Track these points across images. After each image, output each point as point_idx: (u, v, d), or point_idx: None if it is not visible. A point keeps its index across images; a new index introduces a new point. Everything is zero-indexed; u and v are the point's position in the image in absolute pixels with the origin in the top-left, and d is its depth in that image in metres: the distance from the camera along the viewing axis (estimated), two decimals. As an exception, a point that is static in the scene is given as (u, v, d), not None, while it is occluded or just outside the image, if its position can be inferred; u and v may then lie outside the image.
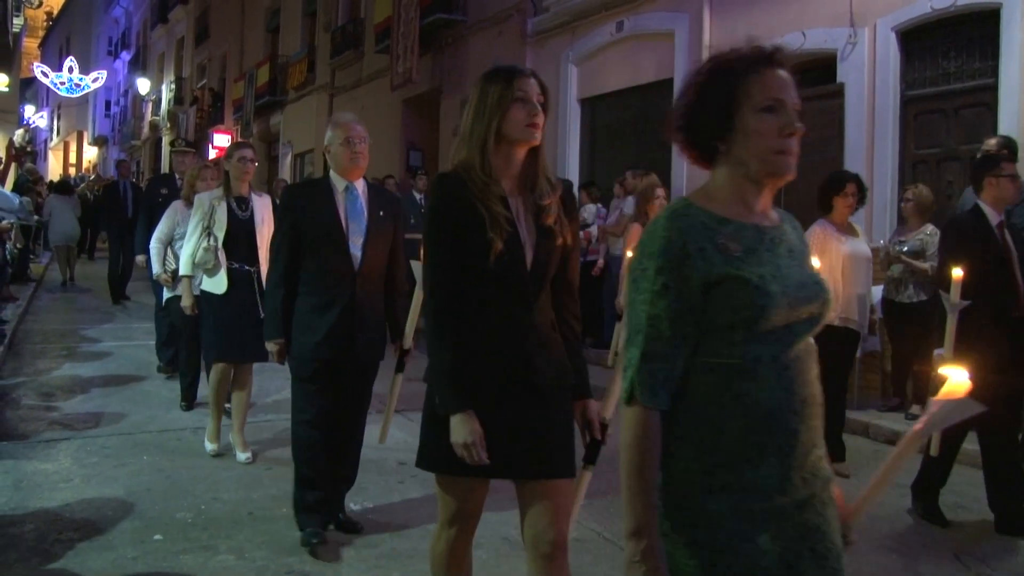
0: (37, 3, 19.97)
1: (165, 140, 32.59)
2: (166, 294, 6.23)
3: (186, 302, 5.25)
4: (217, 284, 4.95)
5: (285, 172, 21.05)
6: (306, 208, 3.66)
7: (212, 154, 24.99)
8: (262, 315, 4.62)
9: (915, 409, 6.32)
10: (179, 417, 5.97)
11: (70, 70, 37.61)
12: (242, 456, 4.98)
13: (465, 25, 13.83)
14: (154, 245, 6.13)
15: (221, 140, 24.18)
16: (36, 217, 15.05)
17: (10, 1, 17.16)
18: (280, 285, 3.67)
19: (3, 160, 10.08)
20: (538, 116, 2.29)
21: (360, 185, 3.77)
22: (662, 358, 1.56)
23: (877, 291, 6.82)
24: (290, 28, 21.95)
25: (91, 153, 45.74)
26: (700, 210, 1.61)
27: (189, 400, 6.25)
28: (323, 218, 3.65)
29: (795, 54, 8.28)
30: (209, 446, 5.12)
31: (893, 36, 7.46)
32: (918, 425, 1.66)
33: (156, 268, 6.19)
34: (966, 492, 4.90)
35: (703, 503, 1.54)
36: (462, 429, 2.18)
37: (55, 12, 48.26)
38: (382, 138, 16.49)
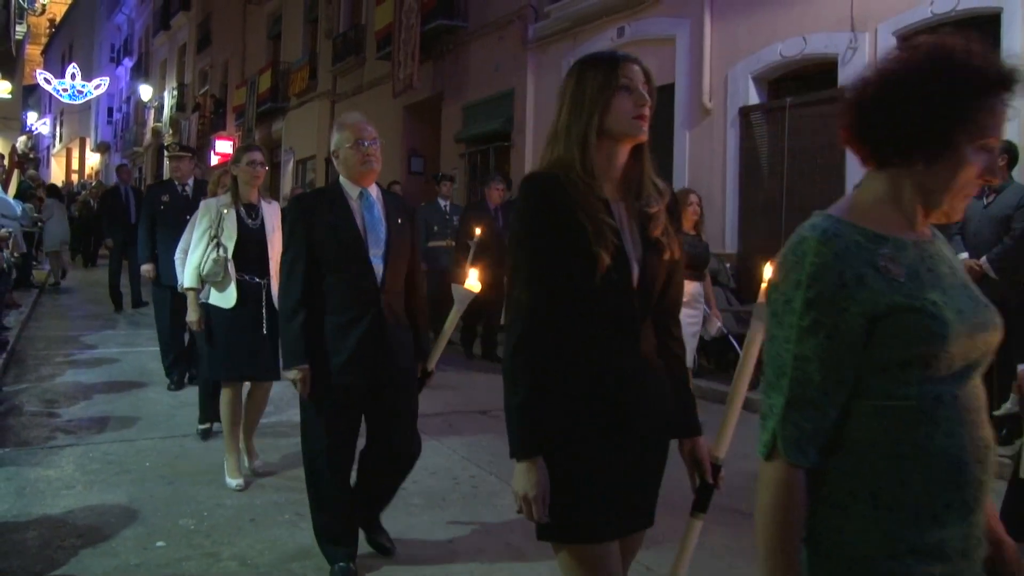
0: (40, 10, 20.05)
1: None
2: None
3: (192, 316, 4.86)
4: (226, 298, 4.61)
5: (287, 179, 21.09)
6: (319, 220, 3.31)
7: (215, 160, 25.07)
8: (265, 330, 4.58)
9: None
10: (182, 423, 5.97)
11: (72, 77, 37.70)
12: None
13: (466, 31, 13.85)
14: (178, 256, 5.56)
15: (223, 146, 24.22)
16: (40, 224, 15.09)
17: (13, 8, 17.21)
18: (299, 309, 3.28)
19: (5, 167, 10.10)
20: (646, 107, 1.98)
21: (374, 191, 3.46)
22: (811, 406, 1.34)
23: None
24: (292, 35, 22.00)
25: (93, 160, 45.80)
26: (851, 226, 1.37)
27: (207, 424, 5.62)
28: (340, 230, 3.30)
29: (795, 59, 8.32)
30: (232, 482, 4.58)
31: (894, 41, 7.46)
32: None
33: (182, 280, 5.65)
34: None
35: (887, 570, 1.32)
36: (525, 479, 1.88)
37: (58, 19, 48.39)
38: (384, 144, 16.51)
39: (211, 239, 4.63)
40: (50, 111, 48.50)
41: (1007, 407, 5.39)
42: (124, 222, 11.70)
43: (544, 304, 1.91)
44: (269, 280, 4.65)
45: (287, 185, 20.37)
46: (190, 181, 7.20)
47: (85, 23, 45.21)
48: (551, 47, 11.90)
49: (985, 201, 5.97)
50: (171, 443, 5.48)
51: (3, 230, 7.85)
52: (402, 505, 4.43)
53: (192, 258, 4.71)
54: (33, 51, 48.61)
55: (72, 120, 45.82)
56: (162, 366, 7.27)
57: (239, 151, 4.80)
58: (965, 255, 6.00)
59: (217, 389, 5.36)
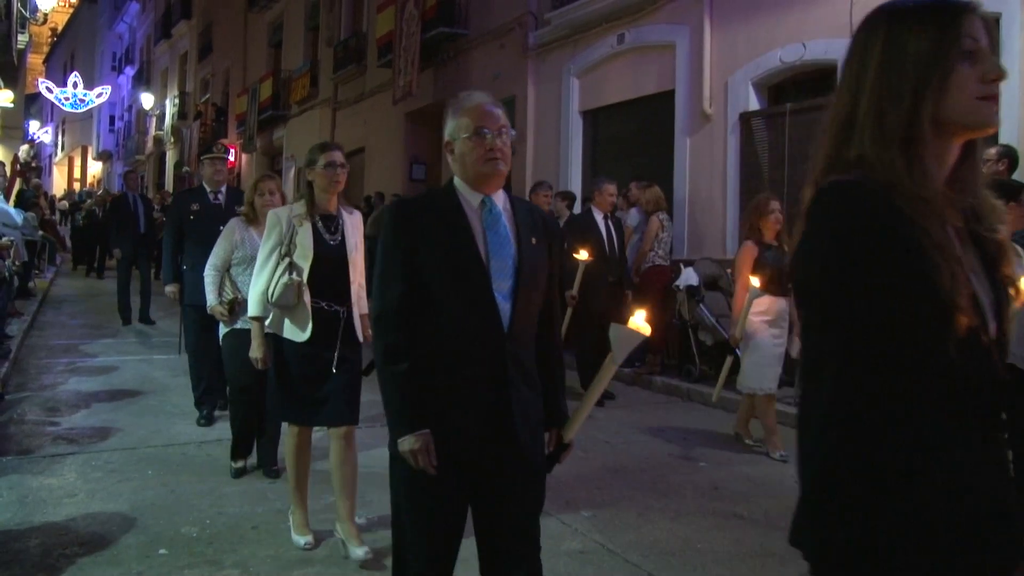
0: (42, 19, 20.09)
1: (169, 155, 32.77)
2: (222, 329, 5.06)
3: (256, 352, 4.07)
4: (299, 330, 3.80)
5: (288, 186, 21.13)
6: (426, 236, 2.34)
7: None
8: (335, 367, 3.79)
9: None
10: (184, 431, 5.97)
11: (74, 85, 37.80)
12: (358, 552, 3.72)
13: (467, 39, 13.88)
14: (209, 272, 5.01)
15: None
16: (40, 233, 15.13)
17: (15, 18, 17.26)
18: (400, 353, 2.33)
19: (7, 175, 10.11)
20: (999, 81, 1.34)
21: (500, 199, 2.45)
22: None
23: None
24: (293, 43, 22.06)
25: (95, 168, 45.92)
26: None
27: (241, 462, 5.01)
28: (453, 251, 2.35)
29: (795, 65, 8.34)
30: (300, 539, 3.92)
31: (893, 46, 7.47)
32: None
33: (211, 299, 5.00)
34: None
35: None
36: None
37: (60, 28, 48.57)
38: (385, 152, 16.59)
39: (281, 258, 3.82)
40: (52, 120, 48.63)
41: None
42: (133, 231, 11.38)
43: (883, 380, 1.28)
44: (349, 307, 3.87)
45: (289, 193, 20.40)
46: (223, 188, 6.42)
47: (87, 32, 45.38)
48: (551, 54, 11.93)
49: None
50: (173, 451, 5.49)
51: (4, 239, 7.84)
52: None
53: (258, 282, 3.93)
54: (35, 60, 48.75)
55: (74, 129, 45.94)
56: (190, 393, 6.69)
57: (314, 151, 3.90)
58: None
59: (249, 436, 5.04)
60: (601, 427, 6.37)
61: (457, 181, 2.46)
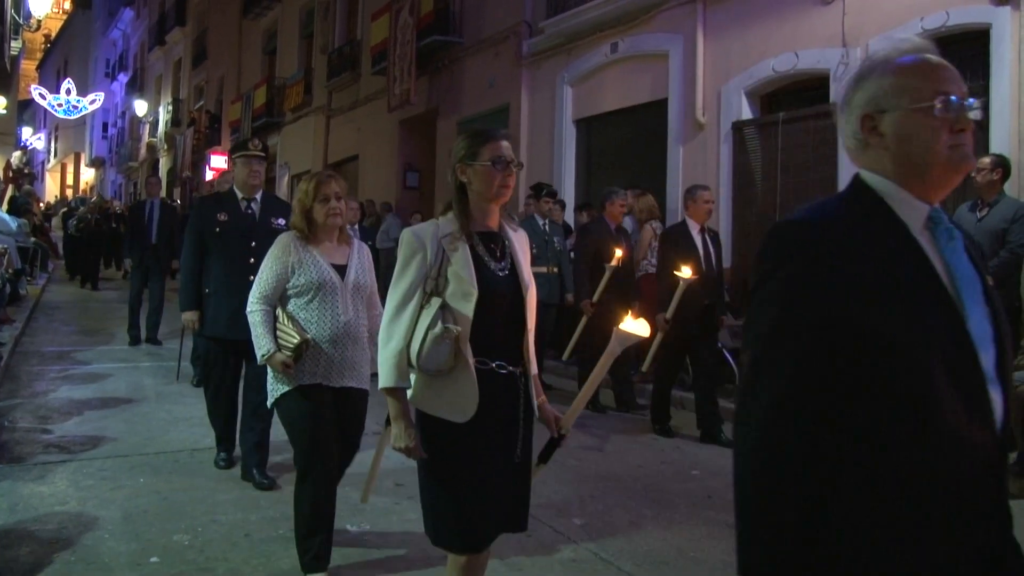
0: (35, 26, 20.08)
1: (163, 162, 32.74)
2: (276, 385, 3.67)
3: (404, 440, 2.59)
4: (459, 404, 2.54)
5: (282, 193, 21.12)
6: (857, 283, 1.38)
7: (209, 175, 25.07)
8: (520, 452, 2.63)
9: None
10: (176, 438, 5.95)
11: (67, 92, 37.81)
12: None
13: (461, 47, 13.92)
14: (256, 308, 3.71)
15: (218, 162, 24.23)
16: (33, 239, 15.10)
17: (8, 24, 17.24)
18: (810, 472, 1.37)
19: (0, 182, 10.08)
20: None
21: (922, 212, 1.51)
22: None
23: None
24: (287, 50, 22.09)
25: (88, 175, 45.85)
26: None
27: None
28: (913, 305, 1.40)
29: (788, 74, 8.38)
30: None
31: (885, 56, 7.52)
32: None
33: (265, 345, 3.63)
34: None
35: None
36: None
37: (53, 35, 48.55)
38: (379, 159, 16.61)
39: (426, 297, 2.58)
40: (45, 126, 48.59)
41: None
42: (144, 242, 10.42)
43: None
44: (527, 368, 2.69)
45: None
46: (258, 195, 5.19)
47: (80, 38, 45.39)
48: (545, 63, 11.96)
49: (979, 215, 6.03)
50: (165, 459, 5.47)
51: (-2, 246, 7.82)
52: (394, 511, 4.42)
53: (393, 338, 2.59)
54: (28, 66, 48.67)
55: (67, 135, 45.92)
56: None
57: (473, 140, 2.66)
58: None
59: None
60: (594, 435, 6.37)
61: (879, 181, 1.50)
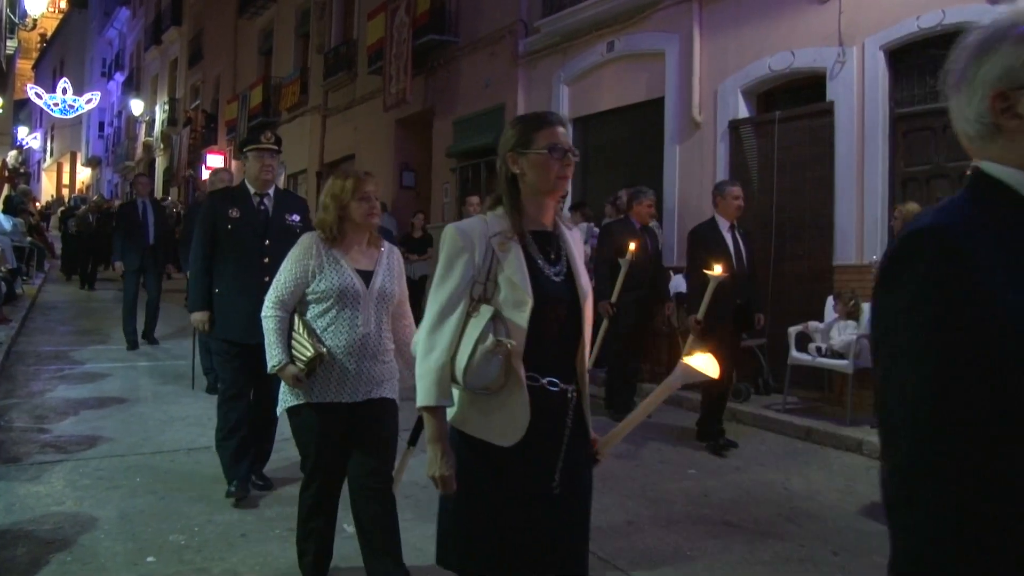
0: (31, 25, 20.05)
1: (159, 161, 32.72)
2: (287, 395, 3.43)
3: (441, 468, 2.22)
4: (506, 426, 2.22)
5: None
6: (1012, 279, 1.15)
7: (205, 175, 25.03)
8: (558, 482, 2.26)
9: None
10: (172, 438, 5.95)
11: (64, 91, 37.75)
12: None
13: (457, 46, 13.92)
14: (271, 314, 3.43)
15: (215, 161, 24.20)
16: (29, 239, 15.07)
17: (3, 23, 17.22)
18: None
19: (-3, 181, 10.07)
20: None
21: None
22: None
23: (866, 306, 6.87)
24: (283, 49, 22.07)
25: (84, 174, 45.79)
26: None
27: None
28: None
29: (784, 73, 8.38)
30: None
31: (882, 55, 7.53)
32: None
33: (277, 355, 3.39)
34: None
35: None
36: None
37: (49, 34, 48.47)
38: (375, 159, 16.59)
39: (473, 304, 2.24)
40: (41, 125, 48.51)
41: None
42: (141, 242, 10.15)
43: None
44: (581, 387, 2.34)
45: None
46: (271, 191, 4.89)
47: (76, 38, 45.33)
48: (541, 62, 11.96)
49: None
50: (161, 459, 5.47)
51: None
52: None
53: (435, 350, 2.22)
54: (24, 66, 48.59)
55: (63, 135, 45.86)
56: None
57: (525, 125, 2.32)
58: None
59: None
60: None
61: (1016, 176, 1.25)
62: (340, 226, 3.42)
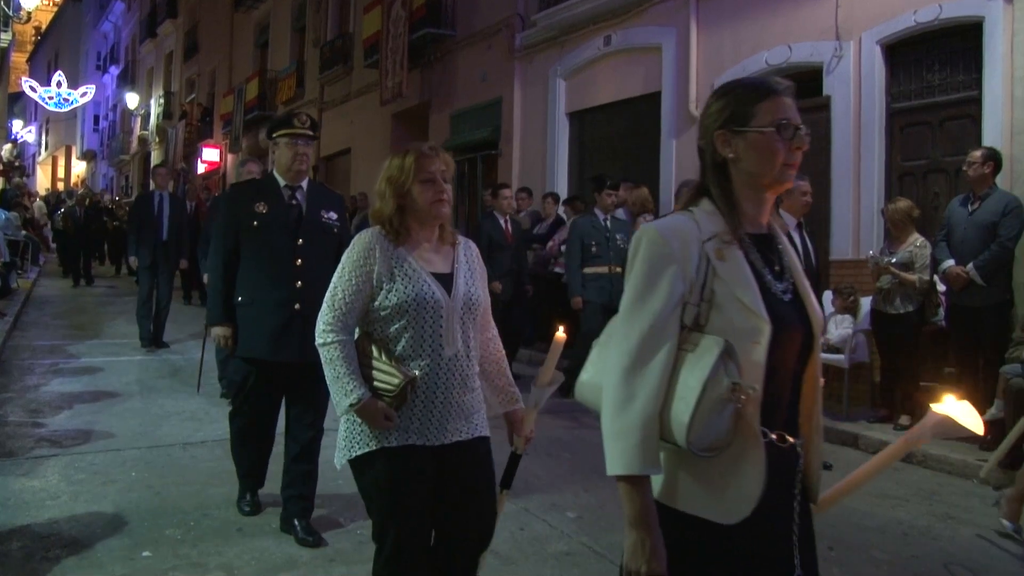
0: (25, 18, 19.98)
1: (154, 155, 32.62)
2: (353, 441, 2.58)
3: (646, 565, 1.58)
4: (733, 498, 1.63)
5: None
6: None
7: (201, 168, 25.00)
8: (799, 570, 1.70)
9: (904, 420, 6.33)
10: (168, 433, 5.94)
11: (58, 84, 37.62)
12: None
13: (454, 40, 13.89)
14: (333, 336, 2.58)
15: (210, 154, 24.15)
16: (24, 232, 15.03)
17: (-2, 16, 17.17)
18: None
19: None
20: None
21: None
22: None
23: (866, 302, 6.87)
24: (279, 43, 22.02)
25: (79, 168, 45.66)
26: None
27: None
28: None
29: (781, 67, 8.38)
30: None
31: (878, 49, 7.53)
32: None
33: (354, 391, 2.51)
34: (956, 503, 4.92)
35: None
36: None
37: (43, 27, 48.27)
38: (371, 153, 16.56)
39: (685, 333, 1.65)
40: (36, 119, 48.33)
41: (992, 412, 5.43)
42: (153, 237, 9.57)
43: None
44: (812, 438, 1.81)
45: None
46: (304, 183, 4.15)
47: (71, 31, 45.13)
48: (538, 56, 11.94)
49: (970, 208, 6.04)
50: (157, 453, 5.45)
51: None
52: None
53: (637, 398, 1.61)
54: (18, 59, 48.45)
55: (58, 128, 45.67)
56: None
57: (742, 94, 1.74)
58: (951, 262, 6.06)
59: None
60: (587, 428, 6.37)
61: None
62: (402, 218, 2.61)
